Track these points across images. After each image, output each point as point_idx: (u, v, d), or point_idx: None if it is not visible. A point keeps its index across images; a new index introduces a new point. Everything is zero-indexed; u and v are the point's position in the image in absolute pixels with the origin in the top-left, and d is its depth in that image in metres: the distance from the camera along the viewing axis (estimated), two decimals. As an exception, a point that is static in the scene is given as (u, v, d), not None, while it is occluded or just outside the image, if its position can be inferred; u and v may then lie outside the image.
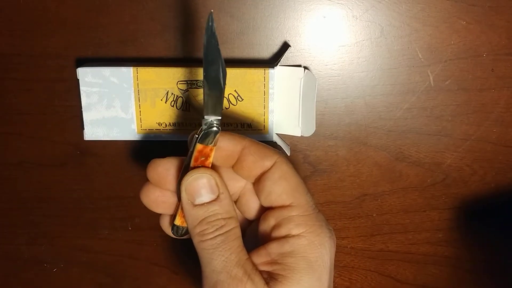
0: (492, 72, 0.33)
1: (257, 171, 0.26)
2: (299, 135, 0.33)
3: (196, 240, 0.25)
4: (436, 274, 0.39)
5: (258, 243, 0.26)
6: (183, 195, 0.25)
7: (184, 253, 0.38)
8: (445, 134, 0.35)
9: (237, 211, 0.29)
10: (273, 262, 0.24)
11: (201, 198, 0.24)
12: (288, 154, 0.34)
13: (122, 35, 0.33)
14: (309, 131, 0.33)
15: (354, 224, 0.37)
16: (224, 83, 0.24)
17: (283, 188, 0.25)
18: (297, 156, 0.35)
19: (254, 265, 0.24)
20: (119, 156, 0.35)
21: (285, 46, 0.33)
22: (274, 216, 0.25)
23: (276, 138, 0.33)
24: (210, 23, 0.23)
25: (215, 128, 0.24)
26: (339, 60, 0.33)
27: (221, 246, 0.24)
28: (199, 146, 0.25)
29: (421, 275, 0.39)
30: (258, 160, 0.25)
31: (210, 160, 0.25)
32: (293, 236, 0.24)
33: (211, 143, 0.25)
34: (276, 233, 0.25)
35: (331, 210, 0.37)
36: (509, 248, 0.38)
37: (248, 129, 0.32)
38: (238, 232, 0.25)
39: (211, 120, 0.25)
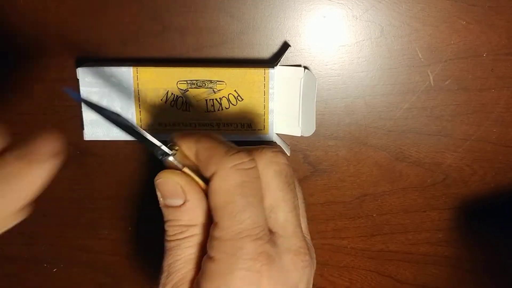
0: (492, 72, 0.33)
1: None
2: (299, 135, 0.33)
3: None
4: (436, 274, 0.39)
5: None
6: (157, 191, 0.25)
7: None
8: (445, 134, 0.35)
9: None
10: (198, 275, 0.24)
11: (169, 200, 0.24)
12: (288, 154, 0.34)
13: (122, 35, 0.33)
14: (309, 131, 0.33)
15: (354, 224, 0.37)
16: (135, 125, 0.24)
17: (211, 204, 0.23)
18: (297, 156, 0.35)
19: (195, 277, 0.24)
20: (119, 156, 0.35)
21: (285, 46, 0.33)
22: (211, 227, 0.24)
23: (276, 138, 0.33)
24: (73, 96, 0.25)
25: (169, 158, 0.24)
26: (339, 60, 0.33)
27: (172, 250, 0.24)
28: None
29: (421, 275, 0.39)
30: (203, 169, 0.24)
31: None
32: (208, 257, 0.23)
33: (179, 166, 0.24)
34: (207, 246, 0.24)
35: (331, 210, 0.37)
36: (509, 248, 0.38)
37: (248, 129, 0.32)
38: (195, 240, 0.24)
39: (161, 152, 0.24)
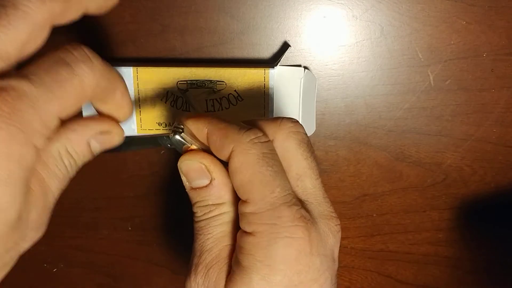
0: (492, 72, 0.33)
1: (223, 159, 0.24)
2: (299, 135, 0.33)
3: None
4: (436, 274, 0.39)
5: None
6: (182, 176, 0.25)
7: (184, 253, 0.38)
8: (445, 134, 0.35)
9: None
10: (234, 253, 0.24)
11: (195, 182, 0.25)
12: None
13: (122, 35, 0.33)
14: (309, 131, 0.33)
15: (354, 224, 0.37)
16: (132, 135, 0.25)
17: (237, 182, 0.23)
18: (297, 156, 0.35)
19: (231, 255, 0.24)
20: (119, 156, 0.35)
21: (285, 46, 0.33)
22: (239, 207, 0.24)
23: (276, 138, 0.33)
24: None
25: (177, 136, 0.24)
26: (339, 60, 0.33)
27: (202, 229, 0.24)
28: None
29: (421, 275, 0.39)
30: (217, 150, 0.24)
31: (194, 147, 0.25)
32: (246, 232, 0.23)
33: (188, 143, 0.25)
34: (240, 224, 0.24)
35: (331, 210, 0.37)
36: (509, 248, 0.38)
37: (248, 129, 0.32)
38: (226, 217, 0.24)
39: (167, 140, 0.25)
